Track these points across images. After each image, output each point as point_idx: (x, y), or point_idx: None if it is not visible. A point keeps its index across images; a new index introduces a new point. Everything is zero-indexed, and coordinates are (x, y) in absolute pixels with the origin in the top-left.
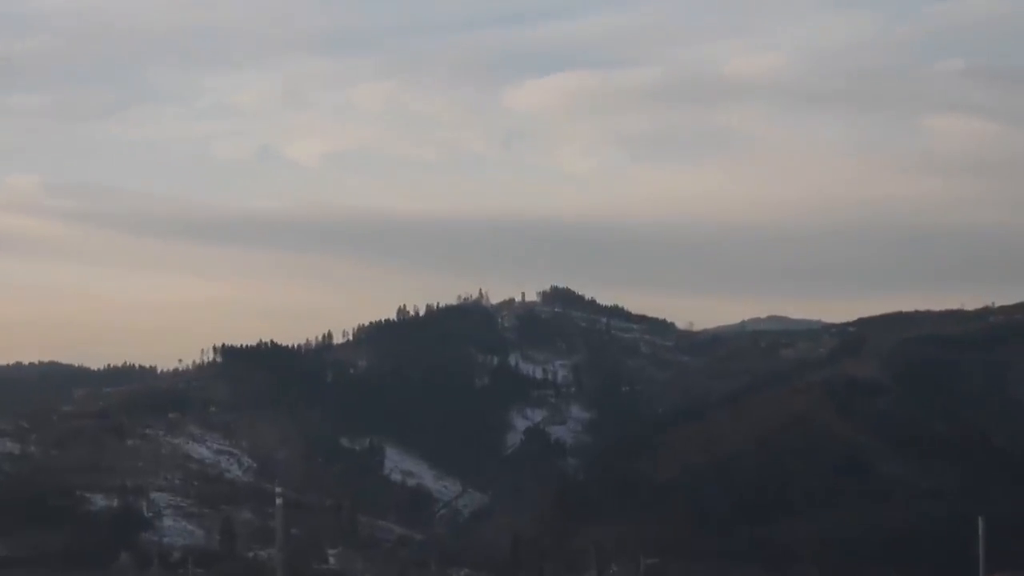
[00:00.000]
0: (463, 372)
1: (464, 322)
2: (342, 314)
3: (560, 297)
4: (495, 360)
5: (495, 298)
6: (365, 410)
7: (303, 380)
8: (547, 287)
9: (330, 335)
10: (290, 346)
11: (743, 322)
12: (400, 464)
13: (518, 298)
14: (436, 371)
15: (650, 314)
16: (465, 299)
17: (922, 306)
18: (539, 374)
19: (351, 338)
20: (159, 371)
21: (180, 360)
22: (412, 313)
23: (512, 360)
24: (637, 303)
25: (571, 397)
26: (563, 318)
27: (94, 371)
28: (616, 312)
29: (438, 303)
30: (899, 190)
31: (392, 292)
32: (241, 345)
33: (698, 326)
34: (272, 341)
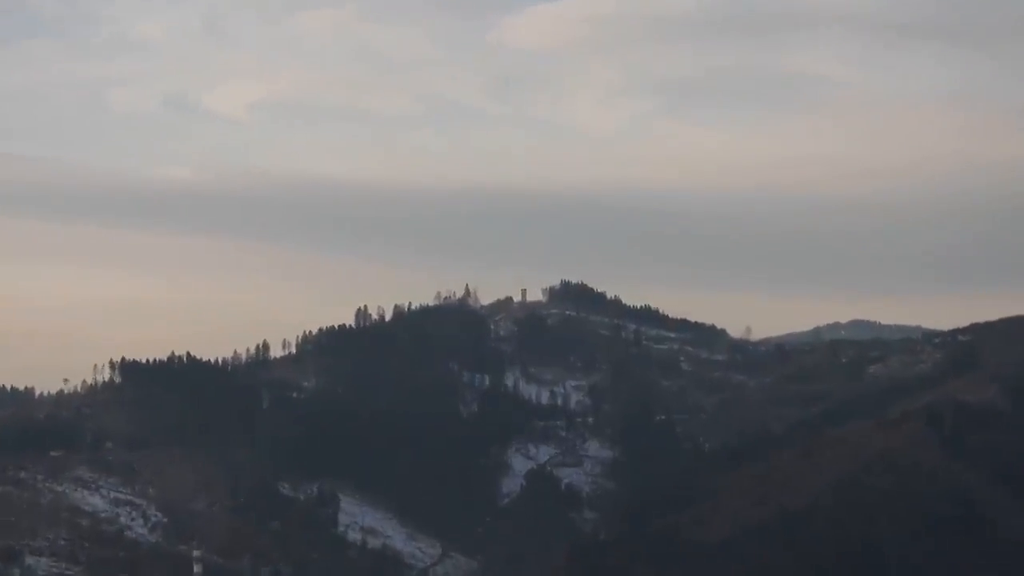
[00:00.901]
0: (444, 396)
1: (445, 329)
2: (282, 318)
3: (573, 296)
4: (486, 380)
5: (486, 297)
6: (313, 447)
7: (230, 407)
8: (555, 282)
9: (266, 347)
10: (212, 361)
11: (817, 329)
12: (359, 518)
13: (517, 297)
14: (407, 395)
15: (693, 318)
16: (447, 298)
17: None
18: (545, 399)
19: (294, 350)
20: (38, 394)
21: (66, 380)
22: (375, 317)
23: (509, 380)
24: (676, 304)
25: (588, 430)
26: (577, 324)
27: None
28: (648, 315)
29: (410, 304)
30: (1020, 150)
31: (348, 289)
32: (147, 360)
33: (757, 334)
34: (188, 355)
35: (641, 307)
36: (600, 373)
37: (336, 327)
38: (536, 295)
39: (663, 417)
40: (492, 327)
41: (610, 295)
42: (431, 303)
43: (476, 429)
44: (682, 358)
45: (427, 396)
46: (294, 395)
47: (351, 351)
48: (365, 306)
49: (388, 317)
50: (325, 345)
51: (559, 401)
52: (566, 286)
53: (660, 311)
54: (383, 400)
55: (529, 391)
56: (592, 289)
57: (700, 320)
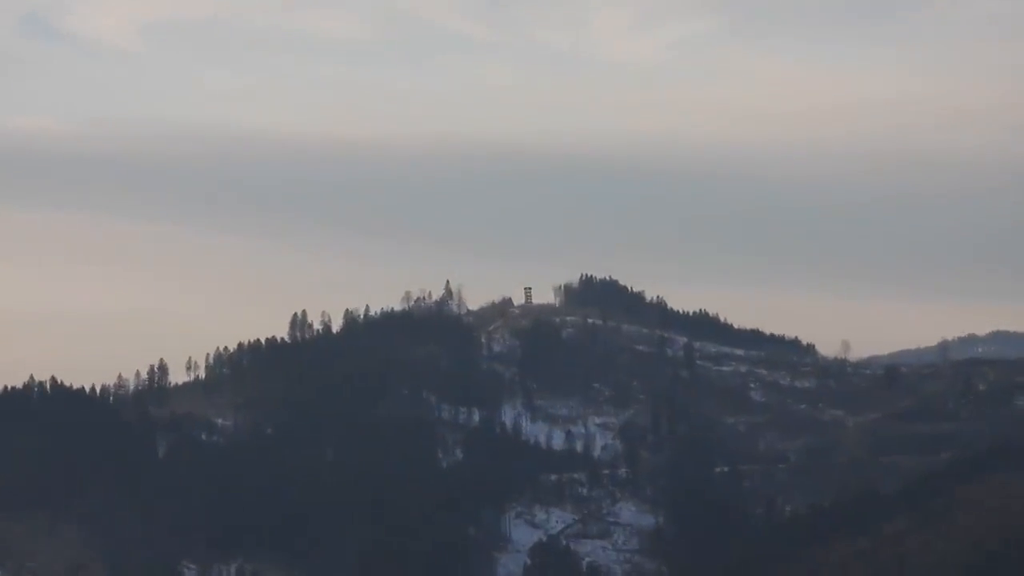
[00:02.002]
0: (415, 439)
1: (417, 344)
2: (185, 328)
3: (598, 296)
4: (475, 416)
5: (475, 299)
6: (228, 512)
7: (112, 455)
8: (573, 277)
9: (163, 369)
10: (86, 389)
11: (944, 344)
12: None
13: (518, 298)
14: (363, 437)
15: (768, 329)
16: (420, 300)
17: None
18: (558, 442)
19: (202, 374)
20: None
21: None
22: (317, 327)
23: (507, 416)
24: (743, 309)
25: (620, 487)
26: (604, 336)
27: None
28: (704, 325)
29: (367, 308)
30: None
31: (280, 287)
32: None
33: (859, 351)
34: (54, 380)
35: (694, 313)
36: (637, 406)
37: (263, 341)
38: (545, 295)
39: (725, 469)
40: (484, 341)
41: (650, 296)
42: (397, 307)
43: (461, 486)
44: (753, 385)
45: (391, 439)
46: (203, 437)
47: (284, 375)
48: (303, 311)
49: (336, 327)
50: (247, 367)
51: (578, 446)
52: (588, 283)
53: (721, 319)
54: (329, 445)
55: (536, 432)
56: (625, 288)
57: (777, 332)
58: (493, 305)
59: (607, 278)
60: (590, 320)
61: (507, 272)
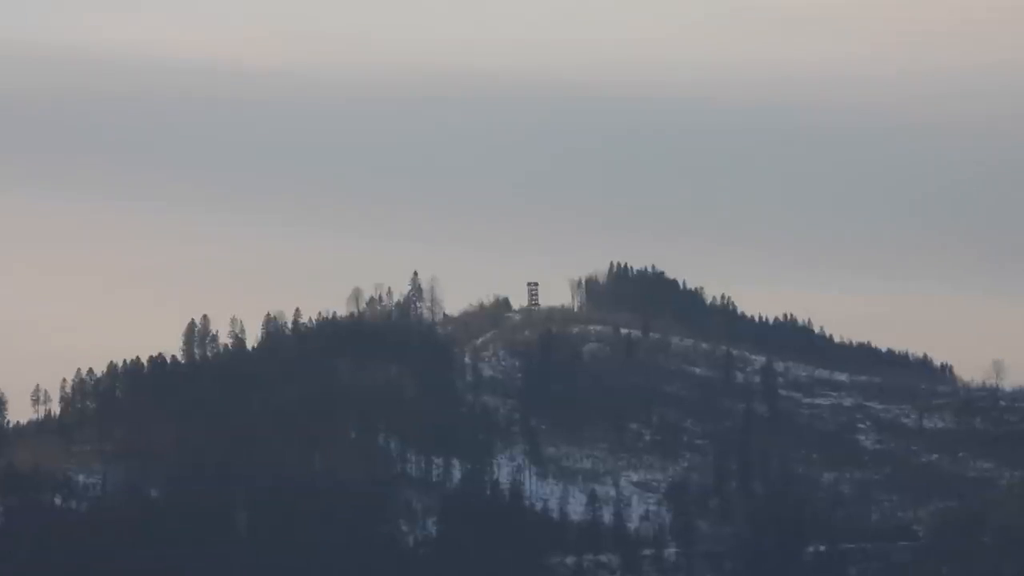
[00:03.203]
0: (370, 504)
1: (372, 364)
2: (25, 343)
3: (633, 294)
4: (456, 470)
5: (455, 298)
6: None
7: None
8: (598, 267)
9: None
10: None
11: None
12: None
13: (517, 300)
14: (292, 502)
15: (885, 343)
16: (374, 301)
17: None
18: (576, 509)
19: (55, 410)
20: None
21: None
22: (224, 343)
23: (503, 468)
24: (845, 314)
25: (667, 574)
26: (642, 353)
27: None
28: (790, 336)
29: (297, 313)
30: None
31: (170, 280)
32: None
33: (1020, 377)
34: None
35: (776, 320)
36: (692, 457)
37: (144, 361)
38: (557, 294)
39: (821, 548)
40: (468, 362)
41: (712, 295)
42: (340, 312)
43: (435, 573)
44: (863, 425)
45: (332, 505)
46: (56, 502)
47: (175, 411)
48: (204, 318)
49: (252, 340)
50: (121, 399)
51: (606, 516)
52: (621, 276)
53: (816, 328)
54: (239, 514)
55: (544, 494)
56: (674, 283)
57: (899, 348)
58: (482, 308)
59: (648, 269)
60: (624, 330)
61: (502, 260)
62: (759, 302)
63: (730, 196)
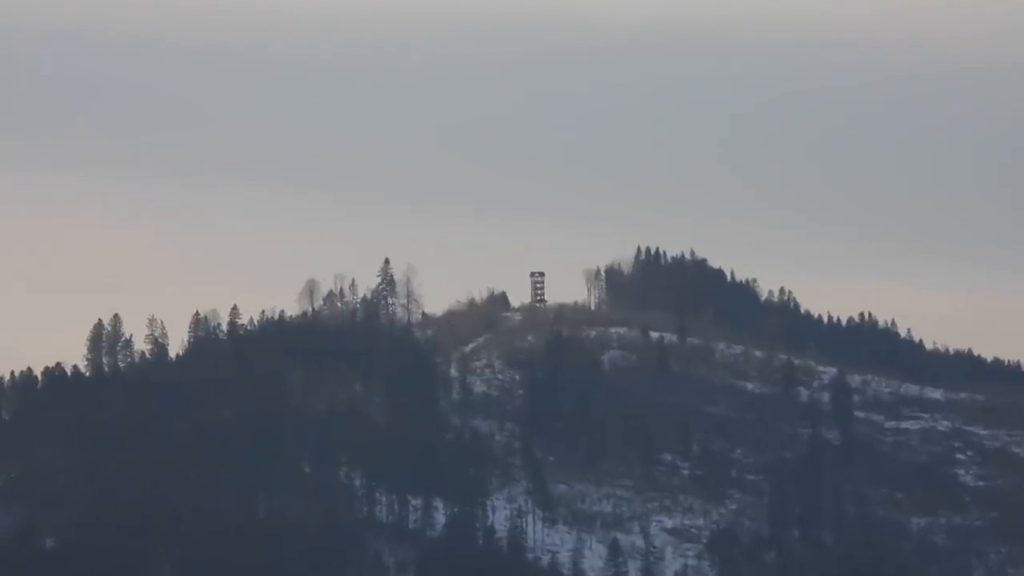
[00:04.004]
0: (330, 555)
1: (333, 376)
2: None
3: (666, 287)
4: (440, 512)
5: (438, 293)
6: None
7: None
8: (620, 254)
9: None
10: None
11: None
12: None
13: (519, 296)
14: (231, 553)
15: (990, 351)
16: (334, 296)
17: None
18: (593, 562)
19: None
20: None
21: None
22: (143, 349)
23: (500, 511)
24: (937, 313)
25: None
26: (679, 362)
27: None
28: (867, 341)
29: (235, 310)
30: None
31: (74, 269)
32: None
33: None
34: None
35: (850, 321)
36: (743, 497)
37: (38, 374)
38: (568, 286)
39: None
40: (454, 373)
41: (766, 289)
42: (290, 311)
43: None
44: (963, 456)
45: (283, 558)
46: None
47: (80, 435)
48: (115, 318)
49: (177, 347)
50: (12, 422)
51: (632, 571)
52: (650, 265)
53: (901, 332)
54: (162, 568)
55: (552, 543)
56: (719, 273)
57: (1009, 357)
58: (472, 306)
59: (685, 256)
60: (654, 334)
61: (498, 243)
62: (827, 298)
63: (788, 168)
